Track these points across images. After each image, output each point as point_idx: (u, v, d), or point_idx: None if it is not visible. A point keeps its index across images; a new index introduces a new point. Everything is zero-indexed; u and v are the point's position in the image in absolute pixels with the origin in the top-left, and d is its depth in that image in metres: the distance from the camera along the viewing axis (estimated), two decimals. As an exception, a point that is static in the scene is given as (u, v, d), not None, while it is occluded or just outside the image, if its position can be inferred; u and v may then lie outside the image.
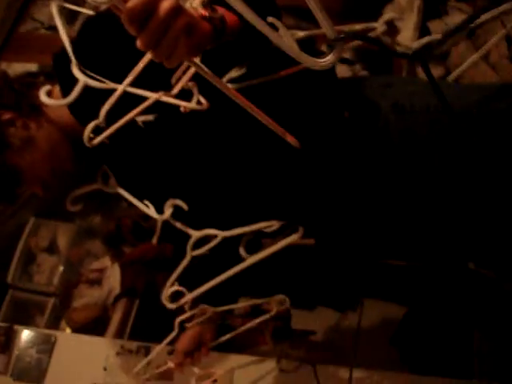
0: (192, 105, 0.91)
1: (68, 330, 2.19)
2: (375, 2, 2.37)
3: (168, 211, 1.15)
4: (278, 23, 0.57)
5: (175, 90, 0.89)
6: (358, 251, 1.52)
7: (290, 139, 0.82)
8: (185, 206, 1.13)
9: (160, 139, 1.15)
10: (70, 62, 0.95)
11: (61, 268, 2.40)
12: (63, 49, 1.06)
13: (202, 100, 0.93)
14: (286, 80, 1.00)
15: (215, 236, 1.11)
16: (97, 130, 0.99)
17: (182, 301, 1.15)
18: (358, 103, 1.20)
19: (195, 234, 1.07)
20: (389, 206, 1.23)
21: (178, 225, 1.16)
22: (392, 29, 1.25)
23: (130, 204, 1.26)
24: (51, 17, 2.55)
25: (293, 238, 0.97)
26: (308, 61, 0.56)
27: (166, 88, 0.90)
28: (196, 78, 0.88)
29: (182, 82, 0.88)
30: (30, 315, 2.39)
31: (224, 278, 1.03)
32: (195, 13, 0.78)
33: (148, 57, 0.80)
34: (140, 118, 1.09)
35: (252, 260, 1.01)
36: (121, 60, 1.04)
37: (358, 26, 1.11)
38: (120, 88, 0.82)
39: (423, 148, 1.16)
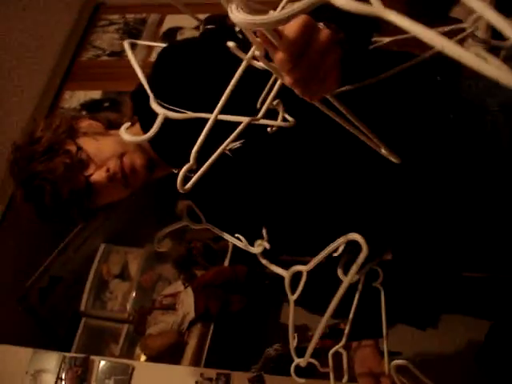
0: (280, 123, 0.88)
1: (143, 358, 2.16)
2: (443, 3, 2.29)
3: (258, 249, 1.12)
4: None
5: (262, 112, 0.86)
6: (439, 263, 1.44)
7: (391, 155, 0.77)
8: (268, 246, 1.10)
9: (249, 165, 1.12)
10: (147, 98, 0.93)
11: (133, 294, 2.38)
12: (139, 85, 1.04)
13: (288, 117, 0.90)
14: (384, 85, 0.94)
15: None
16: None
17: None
18: (463, 104, 1.14)
19: (286, 274, 1.02)
20: (483, 213, 1.16)
21: (266, 262, 1.12)
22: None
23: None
24: (112, 43, 2.58)
25: (364, 254, 0.90)
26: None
27: (247, 112, 0.86)
28: (278, 96, 0.84)
29: (268, 103, 0.84)
30: (105, 343, 2.39)
31: (335, 306, 0.97)
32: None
33: (232, 85, 0.75)
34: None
35: (349, 279, 0.94)
36: (197, 90, 1.02)
37: (446, 28, 1.04)
38: (212, 117, 0.78)
39: None
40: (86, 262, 2.48)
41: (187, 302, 2.11)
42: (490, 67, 0.37)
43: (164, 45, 1.25)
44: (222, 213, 1.24)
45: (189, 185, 0.81)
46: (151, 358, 2.11)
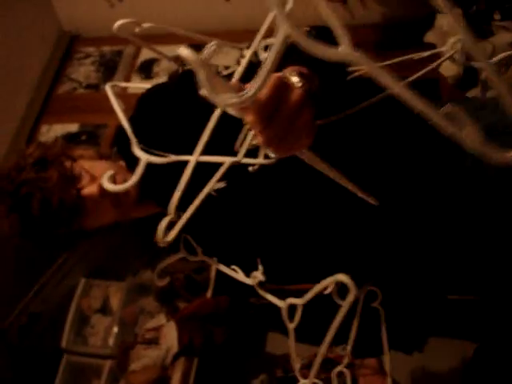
0: (261, 160, 0.87)
1: (127, 394, 2.12)
2: (415, 30, 2.32)
3: (254, 281, 1.11)
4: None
5: (242, 153, 0.86)
6: (424, 287, 1.45)
7: (369, 198, 0.80)
8: (263, 279, 1.08)
9: (235, 202, 1.14)
10: (129, 140, 0.93)
11: (115, 329, 2.34)
12: (121, 127, 1.05)
13: (270, 154, 0.88)
14: (360, 117, 0.95)
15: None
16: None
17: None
18: (442, 139, 1.13)
19: (283, 305, 1.02)
20: (465, 237, 1.17)
21: (262, 293, 1.12)
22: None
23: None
24: (88, 76, 2.58)
25: (351, 298, 0.91)
26: None
27: (228, 151, 0.86)
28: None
29: (247, 144, 0.84)
30: (87, 380, 2.34)
31: (333, 332, 0.98)
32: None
33: (210, 128, 0.76)
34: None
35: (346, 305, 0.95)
36: (178, 132, 1.04)
37: (426, 53, 1.06)
38: (193, 159, 0.78)
39: None
40: (66, 298, 2.43)
41: (170, 335, 2.08)
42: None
43: (147, 85, 1.26)
44: (215, 246, 1.23)
45: (169, 237, 0.79)
46: (135, 395, 2.08)
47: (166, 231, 0.80)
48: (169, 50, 2.33)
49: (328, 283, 0.92)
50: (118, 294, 2.43)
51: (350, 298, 0.87)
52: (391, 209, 1.08)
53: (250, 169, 0.92)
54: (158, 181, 1.09)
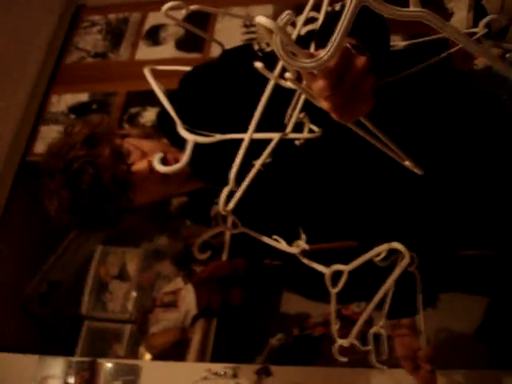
0: (307, 135, 0.91)
1: (148, 357, 2.16)
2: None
3: (298, 248, 1.12)
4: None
5: (290, 126, 0.90)
6: (436, 242, 1.47)
7: (414, 167, 0.81)
8: (307, 247, 1.09)
9: (281, 177, 1.16)
10: (172, 120, 0.95)
11: (134, 294, 2.38)
12: (162, 110, 1.06)
13: (315, 128, 0.93)
14: (403, 86, 0.97)
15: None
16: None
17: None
18: (477, 95, 1.18)
19: (327, 272, 1.04)
20: (484, 192, 1.21)
21: (306, 261, 1.13)
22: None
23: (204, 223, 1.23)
24: (96, 44, 2.57)
25: (405, 263, 0.93)
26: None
27: (275, 128, 0.90)
28: (303, 109, 0.87)
29: (295, 117, 0.88)
30: (108, 345, 2.38)
31: (383, 293, 1.01)
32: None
33: (262, 105, 0.78)
34: (259, 162, 1.09)
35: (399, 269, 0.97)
36: (223, 112, 1.06)
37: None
38: (247, 137, 0.80)
39: None
40: (84, 265, 2.46)
41: (188, 298, 2.11)
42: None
43: (187, 68, 1.26)
44: (257, 218, 1.24)
45: (231, 205, 0.83)
46: (156, 357, 2.11)
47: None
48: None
49: (381, 250, 0.94)
50: (134, 259, 2.46)
51: (404, 262, 0.90)
52: (435, 178, 1.10)
53: (297, 142, 0.95)
54: (205, 158, 1.10)
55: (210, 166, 1.12)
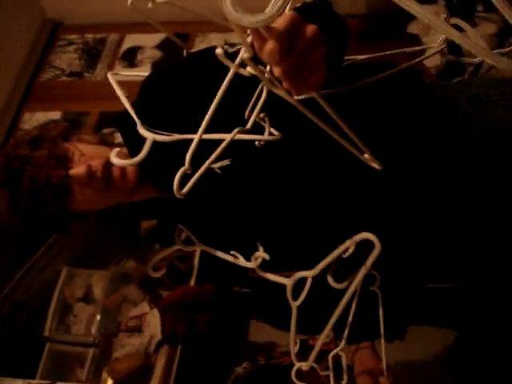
0: (267, 137, 0.90)
1: (110, 382, 2.12)
2: (397, 21, 2.33)
3: (256, 262, 1.10)
4: (462, 23, 0.53)
5: (250, 123, 0.88)
6: (406, 274, 1.46)
7: (374, 162, 0.80)
8: (267, 257, 1.08)
9: (239, 181, 1.15)
10: (132, 123, 0.93)
11: (98, 317, 2.34)
12: (123, 112, 1.05)
13: (274, 131, 0.92)
14: (362, 92, 0.98)
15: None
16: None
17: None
18: (437, 101, 1.20)
19: (288, 283, 1.01)
20: (470, 215, 1.20)
21: (266, 275, 1.11)
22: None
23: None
24: (71, 63, 2.56)
25: (377, 252, 0.90)
26: (498, 60, 0.49)
27: (235, 126, 0.87)
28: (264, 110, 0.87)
29: (255, 115, 0.87)
30: (70, 368, 2.34)
31: (338, 316, 0.98)
32: None
33: (219, 96, 0.77)
34: (216, 165, 1.08)
35: (342, 287, 0.95)
36: (184, 112, 1.04)
37: (418, 48, 1.09)
38: (197, 137, 0.79)
39: (504, 138, 1.16)
40: (48, 286, 2.43)
41: (153, 323, 2.08)
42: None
43: (146, 74, 1.26)
44: (214, 232, 1.23)
45: (185, 189, 0.80)
46: (119, 382, 2.08)
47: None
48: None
49: (349, 244, 0.92)
50: (100, 282, 2.42)
51: (375, 252, 0.88)
52: (395, 176, 1.11)
53: (257, 143, 0.94)
54: (161, 162, 1.08)
55: (166, 169, 1.11)
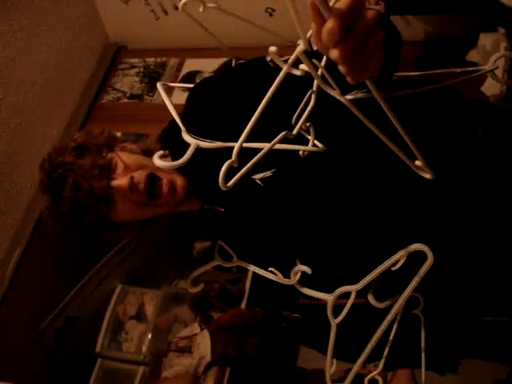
0: (310, 147, 0.90)
1: (159, 401, 2.13)
2: (458, 48, 2.31)
3: (295, 277, 1.10)
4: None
5: (295, 130, 0.88)
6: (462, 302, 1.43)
7: (425, 169, 0.76)
8: (309, 271, 1.07)
9: (280, 193, 1.12)
10: (178, 133, 0.94)
11: (149, 335, 2.36)
12: (170, 123, 1.06)
13: (318, 143, 0.92)
14: (416, 103, 0.97)
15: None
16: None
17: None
18: (491, 122, 1.18)
19: (330, 298, 1.00)
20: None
21: (306, 290, 1.10)
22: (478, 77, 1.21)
23: (225, 269, 1.23)
24: (132, 86, 2.62)
25: (429, 262, 0.88)
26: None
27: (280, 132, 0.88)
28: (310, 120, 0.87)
29: (301, 123, 0.87)
30: (120, 385, 2.37)
31: (377, 339, 0.96)
32: None
33: (261, 107, 0.76)
34: (258, 176, 1.08)
35: (383, 306, 0.92)
36: (230, 121, 1.02)
37: (469, 69, 1.07)
38: (238, 142, 0.78)
39: None
40: (102, 303, 2.47)
41: (203, 344, 2.09)
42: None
43: (191, 85, 1.27)
44: (253, 247, 1.23)
45: (231, 182, 0.79)
46: (167, 402, 2.09)
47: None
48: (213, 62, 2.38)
49: (401, 256, 0.90)
50: (153, 301, 2.45)
51: (428, 262, 0.86)
52: (443, 189, 1.08)
53: (300, 153, 0.93)
54: (204, 171, 1.08)
55: (208, 179, 1.11)
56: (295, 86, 0.81)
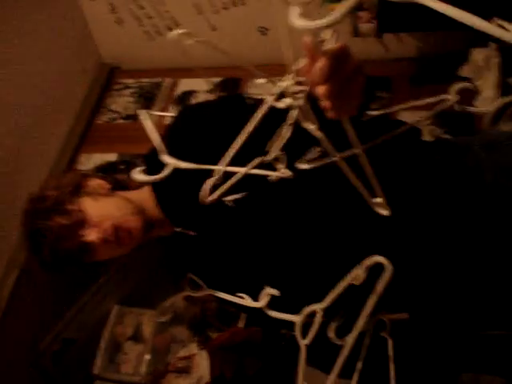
0: (279, 173, 0.93)
1: (157, 422, 2.12)
2: (451, 64, 2.33)
3: (264, 301, 1.11)
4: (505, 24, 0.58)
5: (272, 155, 0.92)
6: (455, 322, 1.43)
7: (383, 206, 0.84)
8: (277, 293, 1.10)
9: (250, 215, 1.18)
10: (158, 158, 0.96)
11: (147, 356, 2.35)
12: (152, 148, 1.08)
13: (285, 171, 0.95)
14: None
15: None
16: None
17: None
18: (448, 145, 1.24)
19: (297, 320, 1.01)
20: (488, 261, 1.18)
21: (274, 313, 1.12)
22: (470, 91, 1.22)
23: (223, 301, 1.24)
24: (127, 106, 2.64)
25: (388, 275, 0.88)
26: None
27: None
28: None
29: (277, 147, 0.91)
30: (118, 407, 2.35)
31: (341, 365, 0.95)
32: None
33: (242, 139, 0.84)
34: (229, 198, 1.13)
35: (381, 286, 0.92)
36: (209, 147, 1.06)
37: (430, 99, 1.08)
38: (220, 167, 0.86)
39: None
40: (99, 324, 2.46)
41: (202, 365, 2.08)
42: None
43: (173, 115, 1.31)
44: (222, 272, 1.27)
45: (214, 196, 0.86)
46: (165, 423, 2.08)
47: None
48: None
49: (359, 272, 0.90)
50: (150, 322, 2.44)
51: (387, 275, 0.86)
52: (404, 220, 1.11)
53: (269, 178, 0.96)
54: (180, 196, 1.16)
55: (183, 204, 1.16)
56: (272, 116, 0.87)
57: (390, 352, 1.15)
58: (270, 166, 0.95)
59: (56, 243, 1.20)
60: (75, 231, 1.21)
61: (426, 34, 2.50)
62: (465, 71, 2.31)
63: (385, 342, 1.17)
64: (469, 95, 1.20)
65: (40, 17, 2.41)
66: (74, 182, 1.29)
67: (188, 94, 2.61)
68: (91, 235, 1.20)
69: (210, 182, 0.84)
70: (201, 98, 2.54)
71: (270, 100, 0.82)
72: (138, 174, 0.88)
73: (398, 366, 1.16)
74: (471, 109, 1.06)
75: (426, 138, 1.15)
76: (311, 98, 0.80)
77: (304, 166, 0.95)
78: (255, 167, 0.92)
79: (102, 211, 1.23)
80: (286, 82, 0.76)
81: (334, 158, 0.81)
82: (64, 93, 2.59)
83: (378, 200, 0.85)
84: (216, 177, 0.84)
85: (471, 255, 1.18)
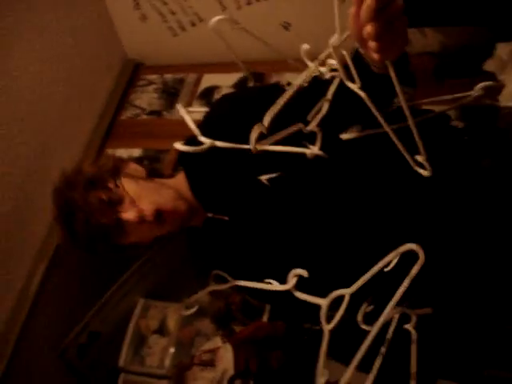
0: (315, 151, 0.95)
1: (182, 415, 2.14)
2: (475, 58, 2.31)
3: (292, 281, 1.12)
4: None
5: (312, 125, 0.94)
6: (479, 316, 1.43)
7: (424, 168, 0.86)
8: (305, 274, 1.11)
9: (285, 193, 1.19)
10: (194, 153, 1.00)
11: (172, 349, 2.37)
12: (189, 137, 1.10)
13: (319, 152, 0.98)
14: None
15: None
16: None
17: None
18: (500, 150, 1.25)
19: (324, 303, 1.01)
20: None
21: (301, 295, 1.12)
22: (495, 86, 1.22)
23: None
24: (151, 102, 2.64)
25: (421, 262, 0.88)
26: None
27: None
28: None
29: (317, 120, 0.93)
30: (144, 399, 2.37)
31: (362, 355, 0.95)
32: None
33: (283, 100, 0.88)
34: (264, 177, 1.15)
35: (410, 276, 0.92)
36: (243, 130, 1.06)
37: (447, 97, 1.09)
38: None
39: None
40: (124, 318, 2.48)
41: (226, 358, 2.09)
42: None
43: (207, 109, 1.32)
44: (251, 258, 1.27)
45: (262, 147, 0.89)
46: (190, 415, 2.09)
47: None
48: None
49: (392, 257, 0.91)
50: (175, 315, 2.46)
51: (419, 263, 0.88)
52: (439, 189, 1.13)
53: (308, 154, 0.98)
54: (214, 182, 1.19)
55: (216, 190, 1.18)
56: (312, 91, 0.93)
57: (414, 345, 1.15)
58: (305, 142, 0.97)
59: (91, 217, 1.20)
60: (113, 207, 1.21)
61: (451, 29, 2.47)
62: (489, 66, 2.29)
63: (406, 338, 1.17)
64: (493, 90, 1.20)
65: (66, 14, 2.43)
66: (113, 163, 1.30)
67: (211, 89, 2.62)
68: (129, 213, 1.20)
69: (254, 133, 0.85)
70: (224, 92, 2.54)
71: (312, 66, 0.85)
72: (179, 145, 0.91)
73: (420, 360, 1.16)
74: (501, 104, 1.07)
75: (455, 123, 1.15)
76: (356, 57, 0.87)
77: (347, 136, 0.96)
78: (293, 139, 0.92)
79: (142, 192, 1.23)
80: (333, 40, 0.80)
81: (379, 117, 0.83)
82: (89, 89, 2.62)
83: (420, 158, 0.85)
84: (262, 126, 0.86)
85: (501, 246, 1.18)
